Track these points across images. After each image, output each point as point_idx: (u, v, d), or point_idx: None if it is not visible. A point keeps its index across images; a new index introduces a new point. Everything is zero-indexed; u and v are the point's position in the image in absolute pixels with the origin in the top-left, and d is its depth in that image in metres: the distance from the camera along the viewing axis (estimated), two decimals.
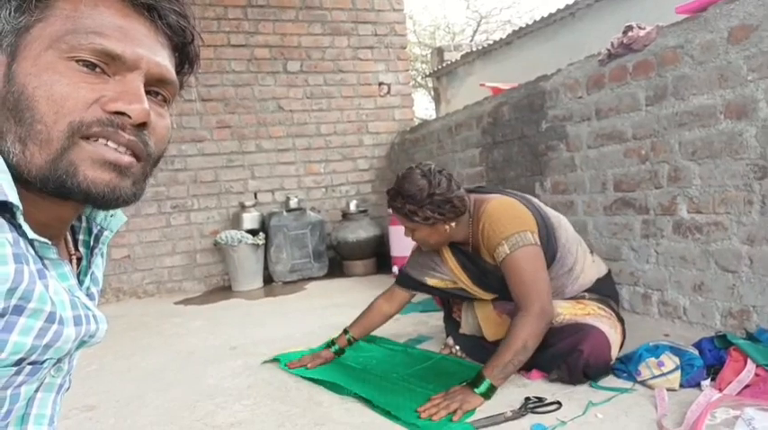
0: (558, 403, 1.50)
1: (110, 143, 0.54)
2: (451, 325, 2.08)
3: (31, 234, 0.52)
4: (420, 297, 2.81)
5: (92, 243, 0.68)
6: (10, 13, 0.53)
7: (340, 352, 2.00)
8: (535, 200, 1.85)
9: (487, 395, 1.53)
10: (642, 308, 2.33)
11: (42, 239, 0.53)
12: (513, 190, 1.92)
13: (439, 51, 10.96)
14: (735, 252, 1.91)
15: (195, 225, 4.33)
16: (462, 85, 10.02)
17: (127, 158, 0.56)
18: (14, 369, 0.52)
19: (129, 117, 0.54)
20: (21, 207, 0.50)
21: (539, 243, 1.65)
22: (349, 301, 3.19)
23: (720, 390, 1.42)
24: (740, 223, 1.88)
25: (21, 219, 0.51)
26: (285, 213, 4.25)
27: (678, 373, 1.52)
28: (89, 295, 0.66)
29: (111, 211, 0.68)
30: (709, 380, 1.52)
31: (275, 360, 2.11)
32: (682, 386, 1.51)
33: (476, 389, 1.52)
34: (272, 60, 4.51)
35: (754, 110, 1.79)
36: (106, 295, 4.04)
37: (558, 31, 7.79)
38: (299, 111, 4.59)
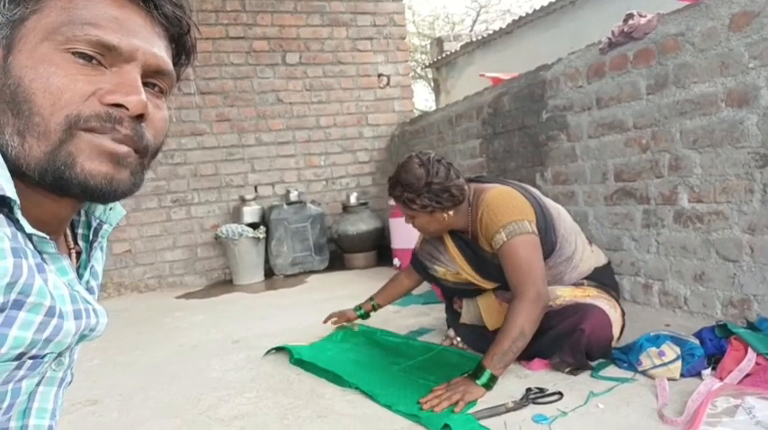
0: (560, 393, 1.50)
1: (105, 135, 0.54)
2: (452, 316, 2.09)
3: (29, 228, 0.51)
4: (421, 289, 2.82)
5: (91, 237, 0.68)
6: (4, 5, 0.52)
7: (365, 316, 2.21)
8: (535, 190, 1.86)
9: (489, 385, 1.53)
10: (643, 298, 2.33)
11: (40, 234, 0.53)
12: (513, 180, 1.92)
13: (438, 42, 10.90)
14: (736, 241, 1.90)
15: (196, 219, 4.33)
16: (462, 75, 9.97)
17: (124, 148, 0.55)
18: (15, 363, 0.52)
19: (127, 109, 0.54)
20: (18, 201, 0.50)
21: (536, 232, 1.66)
22: (350, 294, 3.20)
23: (721, 380, 1.42)
24: (741, 212, 1.87)
25: (18, 214, 0.50)
26: (285, 206, 4.24)
27: (679, 363, 1.52)
28: (89, 289, 0.66)
29: (110, 205, 0.68)
30: (710, 369, 1.52)
31: (278, 349, 2.12)
32: (682, 375, 1.52)
33: (477, 380, 1.53)
34: (271, 52, 4.48)
35: (756, 98, 1.78)
36: (107, 289, 4.05)
37: (558, 20, 7.74)
38: (298, 103, 4.57)
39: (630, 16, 2.20)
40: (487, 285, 1.87)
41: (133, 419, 1.66)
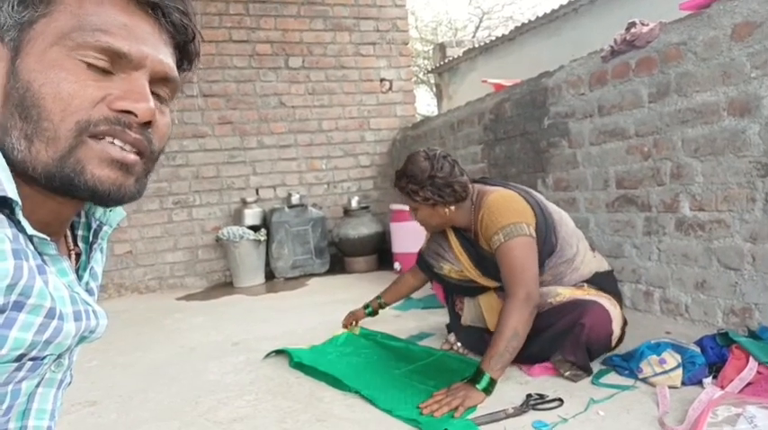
0: (560, 400, 1.50)
1: (116, 141, 0.55)
2: (454, 318, 2.10)
3: (30, 230, 0.52)
4: (422, 293, 2.81)
5: (91, 238, 0.68)
6: (13, 7, 0.52)
7: (373, 313, 2.24)
8: (538, 194, 1.88)
9: (488, 390, 1.54)
10: (644, 305, 2.33)
11: (41, 235, 0.53)
12: (517, 185, 1.93)
13: (441, 47, 10.92)
14: (737, 250, 1.90)
15: (197, 221, 4.33)
16: (464, 81, 9.99)
17: (132, 157, 0.56)
18: (15, 365, 0.52)
19: (136, 116, 0.54)
20: (20, 202, 0.50)
21: (533, 235, 1.69)
22: (350, 298, 3.20)
23: (722, 388, 1.42)
24: (743, 221, 1.87)
25: (20, 215, 0.51)
26: (287, 209, 4.25)
27: (680, 371, 1.52)
28: (88, 290, 0.66)
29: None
30: (711, 377, 1.52)
31: (278, 352, 2.12)
32: (683, 383, 1.51)
33: (477, 385, 1.53)
34: (274, 56, 4.50)
35: (758, 107, 1.78)
36: (108, 290, 4.05)
37: (560, 28, 7.75)
38: (300, 107, 4.58)
39: (633, 25, 2.20)
40: (489, 283, 1.89)
41: (132, 421, 1.65)
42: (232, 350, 2.33)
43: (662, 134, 2.15)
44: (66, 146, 0.52)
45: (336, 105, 4.70)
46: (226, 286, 4.20)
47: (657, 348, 1.61)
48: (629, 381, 1.59)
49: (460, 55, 9.97)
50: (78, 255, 0.67)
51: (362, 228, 4.28)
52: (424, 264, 2.08)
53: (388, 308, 2.31)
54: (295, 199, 4.31)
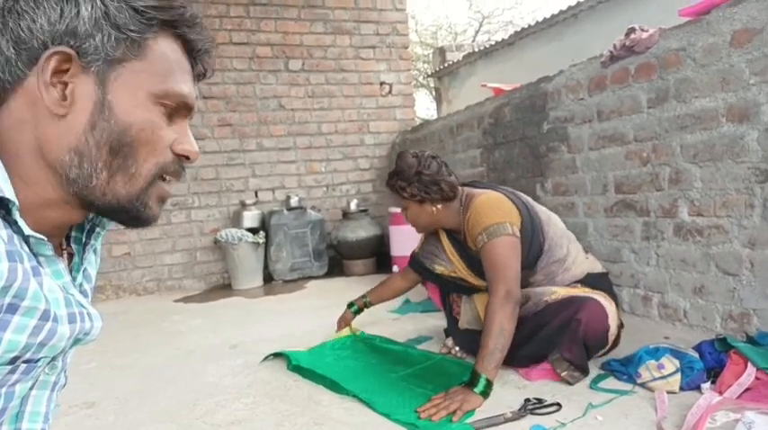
0: (558, 404, 1.50)
1: (172, 180, 0.62)
2: (451, 321, 2.10)
3: (27, 230, 0.51)
4: (420, 297, 2.81)
5: (84, 239, 0.68)
6: (106, 40, 0.54)
7: (357, 311, 2.26)
8: (525, 196, 1.92)
9: (486, 393, 1.54)
10: (642, 310, 2.33)
11: (39, 236, 0.53)
12: (505, 187, 1.96)
13: (441, 51, 10.96)
14: (735, 255, 1.91)
15: (196, 223, 4.33)
16: (464, 85, 10.01)
17: (172, 193, 0.64)
18: (9, 367, 0.52)
19: (188, 158, 0.61)
20: (17, 203, 0.50)
21: (517, 235, 1.73)
22: (348, 301, 3.19)
23: (720, 393, 1.42)
24: (741, 226, 1.88)
25: (17, 215, 0.51)
26: (286, 212, 4.25)
27: (678, 376, 1.52)
28: (82, 292, 0.66)
29: None
30: (710, 383, 1.52)
31: (276, 355, 2.12)
32: (682, 389, 1.52)
33: (474, 389, 1.53)
34: (274, 59, 4.51)
35: (756, 113, 1.79)
36: (106, 292, 4.04)
37: (560, 33, 7.78)
38: (300, 109, 4.59)
39: (632, 30, 2.21)
40: (481, 284, 1.91)
41: (129, 423, 1.65)
42: (230, 352, 2.33)
43: (661, 140, 2.15)
44: (143, 184, 0.58)
45: (336, 108, 4.70)
46: (224, 288, 4.20)
47: (656, 353, 1.61)
48: (628, 386, 1.59)
49: (460, 59, 10.00)
50: (71, 256, 0.66)
51: (361, 231, 4.28)
52: (417, 264, 2.12)
53: (387, 311, 2.31)
54: (294, 201, 4.31)
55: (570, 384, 1.64)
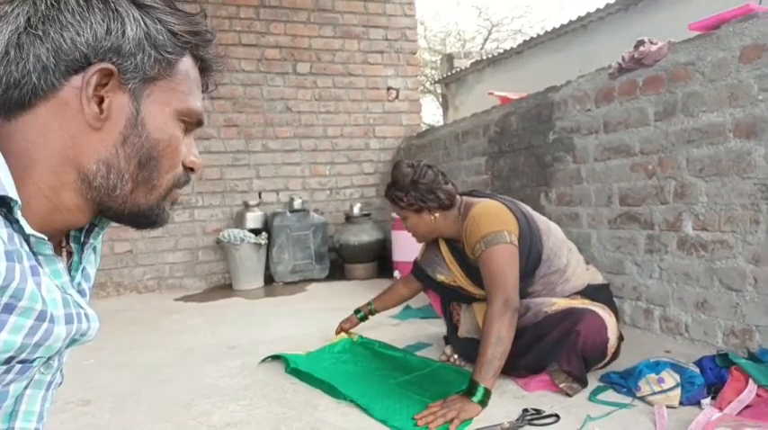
0: (556, 416, 1.49)
1: (182, 188, 0.66)
2: (451, 331, 2.09)
3: (28, 229, 0.51)
4: (420, 303, 2.80)
5: (83, 238, 0.68)
6: (146, 60, 0.57)
7: (363, 318, 2.27)
8: (524, 206, 1.92)
9: (484, 402, 1.53)
10: (644, 323, 2.31)
11: (39, 235, 0.53)
12: (504, 196, 1.96)
13: (449, 58, 10.98)
14: (739, 271, 1.90)
15: (198, 222, 4.34)
16: (471, 92, 10.02)
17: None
18: (4, 367, 0.52)
19: (193, 170, 0.66)
20: (19, 202, 0.50)
21: (515, 243, 1.72)
22: (349, 305, 3.17)
23: (720, 410, 1.41)
24: (746, 242, 1.87)
25: (18, 214, 0.50)
26: (288, 214, 4.25)
27: (678, 391, 1.51)
28: (80, 292, 0.65)
29: None
30: (710, 398, 1.50)
31: (274, 357, 2.12)
32: (681, 403, 1.50)
33: (473, 398, 1.52)
34: (282, 61, 4.52)
35: (764, 129, 1.78)
36: (107, 289, 4.05)
37: (569, 43, 7.78)
38: (306, 112, 4.60)
39: (641, 43, 2.21)
40: (480, 292, 1.91)
41: (125, 422, 1.64)
42: (228, 353, 2.32)
43: (667, 153, 2.14)
44: (162, 194, 0.62)
45: (342, 112, 4.71)
46: (224, 288, 4.20)
47: (656, 367, 1.60)
48: (627, 399, 1.58)
49: (468, 66, 10.02)
50: (70, 254, 0.66)
51: (363, 235, 4.28)
52: (419, 272, 2.12)
53: (387, 316, 2.31)
54: (297, 203, 4.32)
55: (569, 396, 1.63)
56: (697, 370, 1.58)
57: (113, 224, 0.66)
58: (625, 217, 2.38)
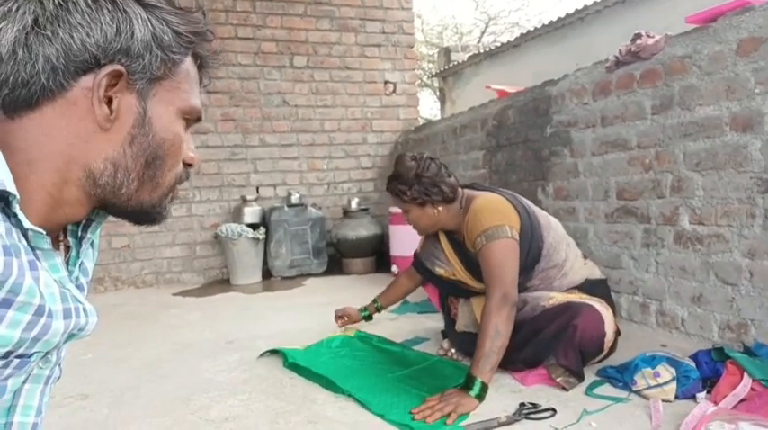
0: (553, 410, 1.50)
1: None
2: (449, 325, 2.10)
3: (26, 223, 0.51)
4: (419, 297, 2.81)
5: (80, 233, 0.68)
6: (153, 60, 0.58)
7: (369, 318, 2.27)
8: (525, 200, 1.92)
9: (481, 396, 1.54)
10: (640, 317, 2.32)
11: (37, 229, 0.53)
12: (506, 190, 1.96)
13: (446, 51, 10.94)
14: (735, 265, 1.90)
15: (196, 217, 4.33)
16: (468, 86, 10.00)
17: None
18: (2, 362, 0.52)
19: (191, 165, 0.67)
20: (18, 196, 0.50)
21: (516, 237, 1.73)
22: (347, 299, 3.19)
23: (716, 403, 1.42)
24: (742, 236, 1.87)
25: (16, 208, 0.50)
26: (286, 208, 4.25)
27: (674, 384, 1.52)
28: (78, 286, 0.66)
29: None
30: (705, 392, 1.51)
31: (272, 352, 2.12)
32: (677, 397, 1.51)
33: (470, 392, 1.53)
34: (279, 55, 4.50)
35: (760, 123, 1.78)
36: (104, 283, 4.05)
37: (566, 36, 7.76)
38: (303, 106, 4.58)
39: (638, 36, 2.21)
40: (479, 286, 1.91)
41: (123, 416, 1.65)
42: (226, 348, 2.33)
43: (664, 146, 2.15)
44: (165, 192, 0.64)
45: (339, 106, 4.70)
46: (222, 283, 4.20)
47: (652, 361, 1.60)
48: (623, 393, 1.59)
49: (465, 60, 9.99)
50: (67, 248, 0.66)
51: (361, 229, 4.28)
52: (419, 265, 2.12)
53: (384, 311, 2.31)
54: (295, 198, 4.31)
55: (566, 390, 1.64)
56: (692, 364, 1.59)
57: (111, 219, 0.67)
58: (622, 211, 2.38)
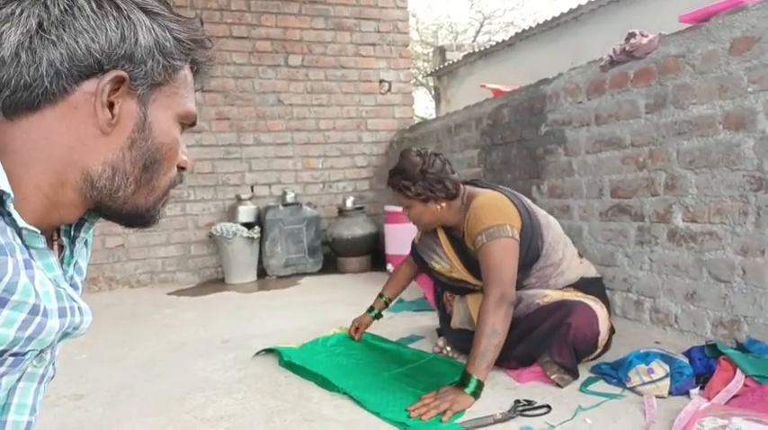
0: (548, 406, 1.50)
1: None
2: (444, 322, 2.10)
3: (21, 222, 0.51)
4: (413, 296, 2.82)
5: (73, 232, 0.68)
6: (155, 67, 0.59)
7: (379, 315, 2.21)
8: (526, 199, 1.92)
9: (476, 393, 1.54)
10: (634, 314, 2.34)
11: (32, 228, 0.53)
12: (506, 188, 1.96)
13: (441, 50, 10.95)
14: (728, 262, 1.92)
15: (190, 216, 4.32)
16: (463, 85, 10.01)
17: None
18: None
19: (184, 169, 0.68)
20: (12, 195, 0.50)
21: (516, 237, 1.72)
22: (342, 298, 3.19)
23: (709, 399, 1.43)
24: (734, 234, 1.89)
25: (11, 207, 0.50)
26: (281, 207, 4.24)
27: (668, 381, 1.53)
28: (72, 285, 0.66)
29: None
30: (699, 388, 1.53)
31: (268, 351, 2.12)
32: (671, 394, 1.52)
33: (465, 389, 1.53)
34: (274, 54, 4.49)
35: (753, 122, 1.80)
36: (99, 283, 4.03)
37: (560, 35, 7.78)
38: (298, 105, 4.58)
39: (632, 35, 2.22)
40: (477, 283, 1.91)
41: (118, 416, 1.64)
42: (221, 347, 2.32)
43: (657, 145, 2.16)
44: (160, 196, 0.65)
45: (334, 105, 4.69)
46: (217, 282, 4.19)
47: (646, 358, 1.61)
48: (617, 390, 1.60)
49: (460, 59, 9.99)
50: (61, 248, 0.66)
51: (356, 228, 4.28)
52: (417, 257, 2.11)
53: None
54: (290, 197, 4.30)
55: (560, 387, 1.65)
56: (686, 360, 1.60)
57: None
58: (616, 209, 2.39)
